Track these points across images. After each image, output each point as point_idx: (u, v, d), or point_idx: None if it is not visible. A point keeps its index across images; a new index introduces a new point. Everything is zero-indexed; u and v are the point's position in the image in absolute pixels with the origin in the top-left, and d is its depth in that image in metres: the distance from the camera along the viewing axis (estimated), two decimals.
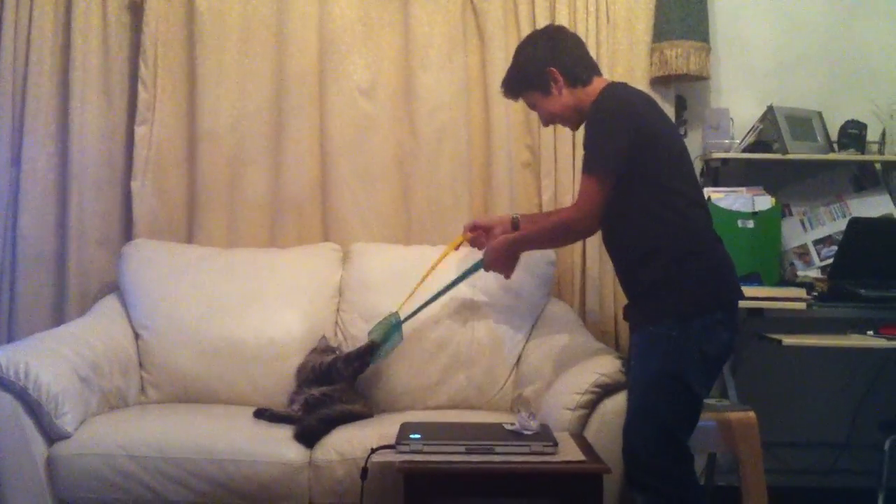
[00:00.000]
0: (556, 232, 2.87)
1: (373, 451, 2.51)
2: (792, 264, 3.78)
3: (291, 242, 3.71)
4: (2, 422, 2.77)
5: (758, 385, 3.70)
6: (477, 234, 3.17)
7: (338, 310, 3.49)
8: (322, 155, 3.75)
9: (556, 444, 2.48)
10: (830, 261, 3.69)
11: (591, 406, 2.78)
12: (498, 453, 2.44)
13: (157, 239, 3.65)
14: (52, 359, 2.91)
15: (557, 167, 3.74)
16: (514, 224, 3.14)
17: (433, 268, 3.21)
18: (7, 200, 3.68)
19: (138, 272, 3.48)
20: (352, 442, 2.78)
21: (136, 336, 3.39)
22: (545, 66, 2.79)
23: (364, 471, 2.53)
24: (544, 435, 2.52)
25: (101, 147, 3.73)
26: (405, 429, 2.57)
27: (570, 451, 2.50)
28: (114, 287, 3.56)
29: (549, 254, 3.50)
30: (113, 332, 3.33)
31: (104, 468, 2.75)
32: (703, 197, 2.75)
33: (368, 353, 3.14)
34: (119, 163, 3.75)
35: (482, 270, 3.09)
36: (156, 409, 3.20)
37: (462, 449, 2.45)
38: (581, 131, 2.95)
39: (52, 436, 2.81)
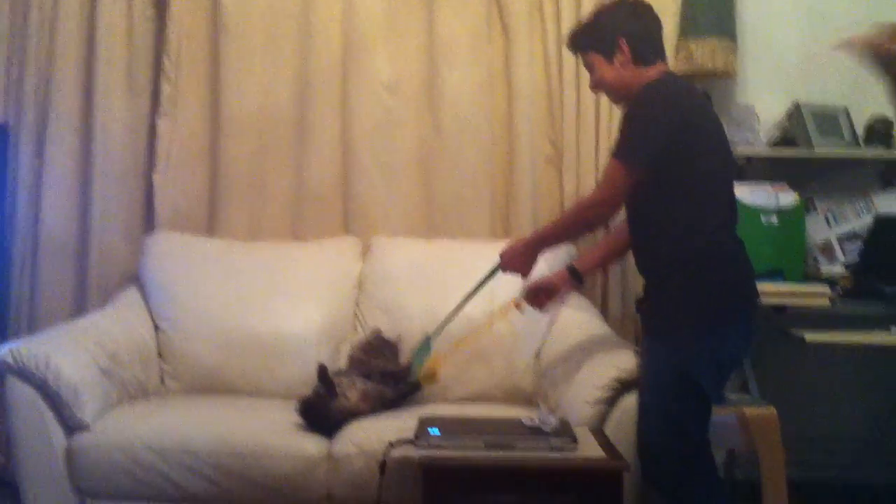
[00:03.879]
0: (573, 218, 2.82)
1: (391, 445, 2.50)
2: (816, 260, 3.73)
3: (313, 234, 3.70)
4: (22, 413, 2.79)
5: (780, 380, 3.64)
6: (539, 296, 3.01)
7: (357, 304, 3.48)
8: (345, 148, 3.74)
9: (575, 441, 2.45)
10: (855, 257, 3.64)
11: (611, 401, 2.76)
12: (517, 449, 2.43)
13: (178, 231, 3.65)
14: (72, 350, 2.92)
15: (580, 162, 3.71)
16: (572, 272, 3.02)
17: (486, 327, 3.10)
18: (30, 192, 3.70)
19: (159, 264, 3.50)
20: (370, 435, 2.77)
21: (156, 328, 3.39)
22: (617, 34, 2.73)
23: (382, 465, 2.51)
24: (564, 431, 2.50)
25: (124, 139, 3.74)
26: (424, 423, 2.56)
27: (589, 448, 2.48)
28: (135, 278, 3.57)
29: (570, 248, 3.49)
30: (133, 324, 3.34)
31: (124, 459, 2.76)
32: (735, 199, 2.73)
33: (405, 375, 3.12)
34: (142, 155, 3.76)
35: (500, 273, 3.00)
36: (175, 400, 3.20)
37: (481, 444, 2.43)
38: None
39: (72, 427, 2.81)
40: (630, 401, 2.73)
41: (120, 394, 3.07)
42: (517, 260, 2.92)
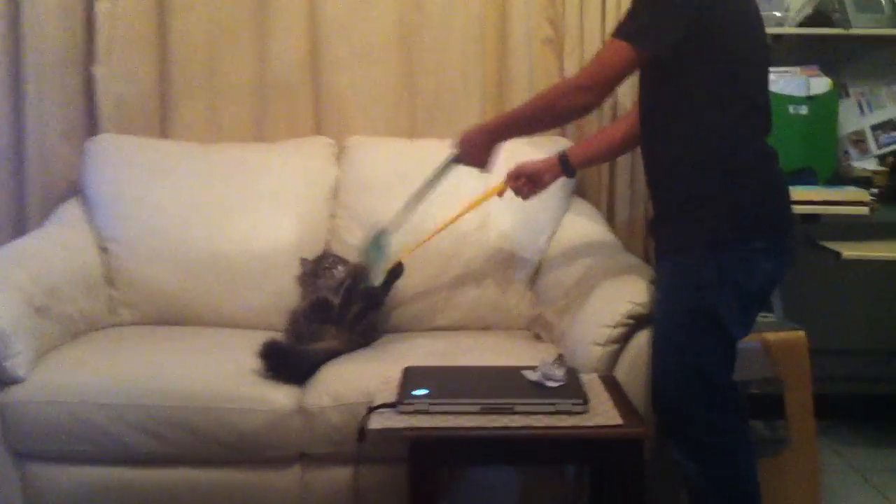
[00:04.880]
0: (547, 103, 2.36)
1: (370, 409, 2.13)
2: (846, 153, 3.35)
3: (280, 133, 3.28)
4: None
5: (805, 292, 3.31)
6: (521, 182, 2.66)
7: (332, 215, 3.08)
8: (313, 31, 3.27)
9: (586, 401, 2.10)
10: (889, 148, 3.31)
11: (623, 340, 2.40)
12: (518, 413, 2.07)
13: (125, 131, 3.22)
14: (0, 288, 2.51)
15: (583, 44, 3.26)
16: (563, 162, 2.66)
17: (460, 215, 2.75)
18: None
19: (104, 174, 3.07)
20: (347, 383, 2.41)
21: (103, 249, 2.99)
22: None
23: (361, 432, 2.15)
24: (572, 389, 2.14)
25: (59, 25, 3.22)
26: (409, 378, 2.21)
27: (602, 408, 2.12)
28: (77, 190, 3.14)
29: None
30: (75, 247, 2.93)
31: (63, 416, 2.38)
32: (769, 99, 2.31)
33: (363, 272, 2.73)
34: (80, 43, 3.27)
35: (458, 164, 2.59)
36: (125, 338, 2.80)
37: (476, 409, 2.08)
38: None
39: (3, 380, 2.42)
40: (644, 339, 2.37)
41: (62, 332, 2.67)
42: (475, 151, 2.51)
